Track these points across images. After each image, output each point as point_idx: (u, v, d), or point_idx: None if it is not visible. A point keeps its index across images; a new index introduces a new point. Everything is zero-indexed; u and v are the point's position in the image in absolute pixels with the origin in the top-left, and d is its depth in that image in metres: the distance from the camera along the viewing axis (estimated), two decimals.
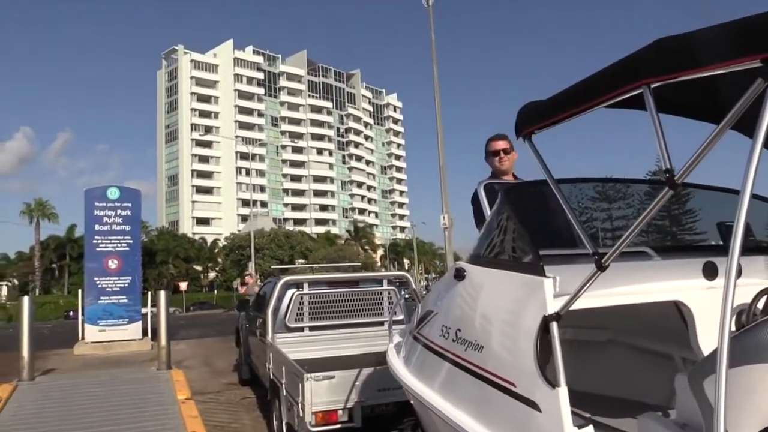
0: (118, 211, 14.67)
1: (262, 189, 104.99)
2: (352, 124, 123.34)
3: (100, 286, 14.38)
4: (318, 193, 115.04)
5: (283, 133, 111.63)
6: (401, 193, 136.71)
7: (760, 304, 2.13)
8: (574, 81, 2.25)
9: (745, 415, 1.72)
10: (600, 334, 3.33)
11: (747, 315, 2.08)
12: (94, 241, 14.55)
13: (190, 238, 79.89)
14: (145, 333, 14.61)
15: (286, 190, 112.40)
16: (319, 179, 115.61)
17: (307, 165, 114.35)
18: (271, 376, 6.39)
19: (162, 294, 10.78)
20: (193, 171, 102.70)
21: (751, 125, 1.52)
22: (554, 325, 2.11)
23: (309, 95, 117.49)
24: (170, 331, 10.49)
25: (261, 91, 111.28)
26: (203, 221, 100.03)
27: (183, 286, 55.21)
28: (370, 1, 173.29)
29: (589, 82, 2.15)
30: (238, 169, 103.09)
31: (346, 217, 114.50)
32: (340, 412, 5.08)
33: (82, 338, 14.30)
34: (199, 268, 76.09)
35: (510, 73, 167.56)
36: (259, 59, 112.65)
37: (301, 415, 5.01)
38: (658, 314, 2.77)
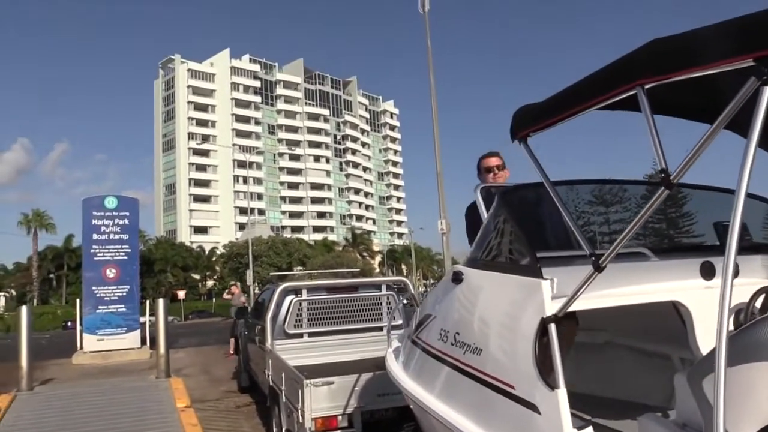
0: (116, 221, 14.64)
1: (260, 197, 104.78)
2: (349, 131, 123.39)
3: (98, 295, 14.33)
4: (315, 201, 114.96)
5: (280, 140, 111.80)
6: (398, 199, 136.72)
7: (758, 303, 2.14)
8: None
9: (744, 413, 1.72)
10: (598, 336, 3.33)
11: (745, 314, 2.08)
12: (92, 251, 14.50)
13: (188, 246, 79.86)
14: (143, 342, 14.57)
15: (283, 198, 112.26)
16: (316, 186, 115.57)
17: (304, 172, 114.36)
18: (271, 383, 6.38)
19: (160, 302, 10.76)
20: (190, 180, 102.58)
21: (745, 124, 1.52)
22: (552, 327, 2.11)
23: (306, 103, 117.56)
24: (169, 339, 10.46)
25: (258, 99, 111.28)
26: (201, 230, 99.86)
27: (181, 294, 55.06)
28: (366, 8, 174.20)
29: (583, 85, 2.15)
30: (236, 178, 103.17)
31: (344, 224, 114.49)
32: (340, 417, 5.08)
33: (81, 348, 14.28)
34: (197, 276, 76.05)
35: (507, 79, 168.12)
36: (256, 68, 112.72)
37: (300, 421, 5.00)
38: (656, 315, 2.76)
